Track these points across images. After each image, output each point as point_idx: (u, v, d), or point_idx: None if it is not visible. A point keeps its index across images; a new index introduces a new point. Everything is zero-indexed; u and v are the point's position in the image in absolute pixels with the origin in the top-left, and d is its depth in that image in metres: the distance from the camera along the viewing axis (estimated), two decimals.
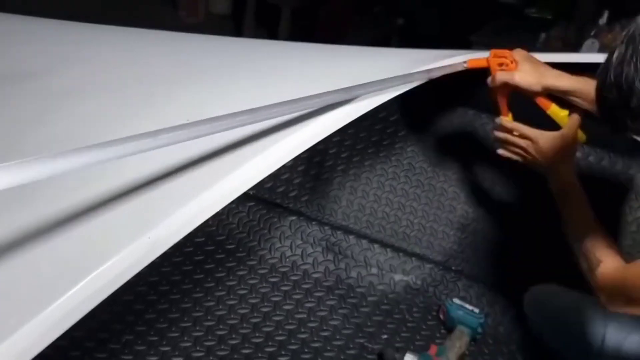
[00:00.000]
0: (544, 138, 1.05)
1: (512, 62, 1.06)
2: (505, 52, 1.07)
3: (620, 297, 0.94)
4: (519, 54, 1.07)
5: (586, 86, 1.02)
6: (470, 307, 1.43)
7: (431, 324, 1.50)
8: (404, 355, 1.30)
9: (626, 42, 0.69)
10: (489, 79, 1.08)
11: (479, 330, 1.42)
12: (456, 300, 1.46)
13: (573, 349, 1.27)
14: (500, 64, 1.06)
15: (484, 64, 1.07)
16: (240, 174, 0.65)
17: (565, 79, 1.04)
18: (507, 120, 1.11)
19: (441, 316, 1.49)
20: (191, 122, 0.59)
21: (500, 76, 1.06)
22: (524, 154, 1.08)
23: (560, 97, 1.06)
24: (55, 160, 0.47)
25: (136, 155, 0.73)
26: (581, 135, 1.10)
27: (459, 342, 1.37)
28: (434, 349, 1.34)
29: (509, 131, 1.10)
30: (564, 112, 1.07)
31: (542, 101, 1.08)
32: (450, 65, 1.02)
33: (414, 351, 1.33)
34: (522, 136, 1.08)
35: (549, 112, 1.08)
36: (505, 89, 1.09)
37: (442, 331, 1.48)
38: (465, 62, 1.05)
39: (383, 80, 0.85)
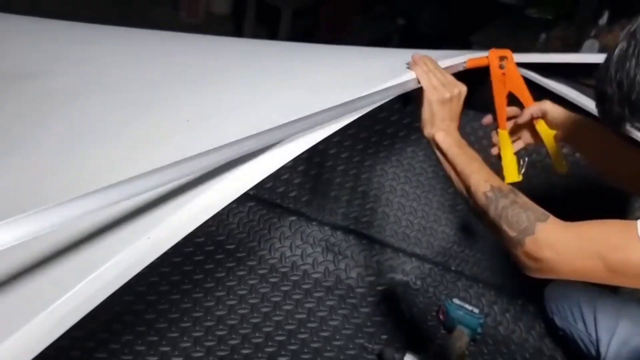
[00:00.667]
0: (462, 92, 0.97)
1: (511, 60, 1.05)
2: (505, 50, 1.06)
3: (584, 250, 0.76)
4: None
5: (581, 120, 1.04)
6: (470, 308, 1.43)
7: (431, 324, 1.51)
8: (403, 355, 1.31)
9: (628, 39, 0.69)
10: (524, 114, 1.06)
11: (479, 330, 1.42)
12: (456, 301, 1.46)
13: (586, 339, 1.29)
14: (501, 58, 1.05)
15: (484, 62, 1.06)
16: (240, 174, 0.65)
17: (580, 117, 1.05)
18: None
19: (441, 316, 1.49)
20: (193, 155, 0.59)
21: (535, 108, 1.05)
22: (442, 88, 0.94)
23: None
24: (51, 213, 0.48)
25: (134, 154, 0.73)
26: (562, 166, 1.10)
27: (458, 343, 1.37)
28: (434, 349, 1.35)
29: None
30: (552, 131, 1.07)
31: (534, 120, 1.08)
32: (450, 67, 1.02)
33: (414, 351, 1.33)
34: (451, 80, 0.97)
35: (537, 126, 1.07)
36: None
37: (442, 331, 1.48)
38: (464, 62, 1.05)
39: (382, 90, 0.86)
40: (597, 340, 1.27)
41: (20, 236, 0.45)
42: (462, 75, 1.05)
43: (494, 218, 0.83)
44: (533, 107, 1.06)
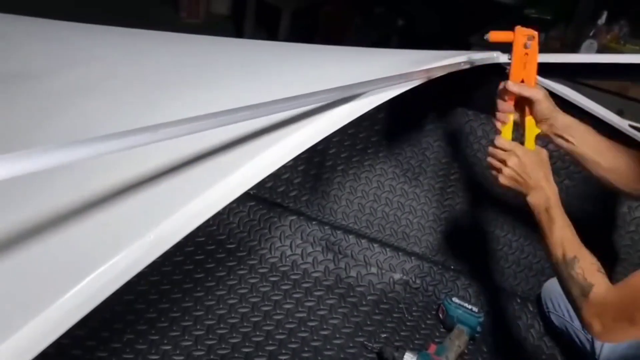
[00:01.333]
0: (525, 152, 1.01)
1: (536, 43, 1.01)
2: (532, 30, 1.01)
3: (622, 318, 0.86)
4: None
5: (585, 132, 1.05)
6: (469, 306, 1.44)
7: (430, 323, 1.51)
8: (403, 354, 1.31)
9: None
10: (512, 86, 1.02)
11: (478, 329, 1.43)
12: (455, 300, 1.46)
13: (582, 336, 1.30)
14: (529, 38, 1.00)
15: (509, 37, 1.02)
16: (240, 174, 0.66)
17: (570, 117, 1.05)
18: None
19: (440, 315, 1.49)
20: (190, 117, 0.59)
21: (530, 92, 1.02)
22: (513, 173, 1.00)
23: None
24: (57, 151, 0.47)
25: (136, 154, 0.73)
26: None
27: (458, 341, 1.38)
28: (433, 348, 1.35)
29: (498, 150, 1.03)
30: (537, 130, 1.05)
31: (527, 111, 1.05)
32: (449, 65, 1.02)
33: (413, 350, 1.33)
34: (505, 151, 1.01)
35: (526, 119, 1.05)
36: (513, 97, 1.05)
37: (442, 330, 1.49)
38: (464, 61, 1.04)
39: (383, 78, 0.85)
40: (592, 337, 1.28)
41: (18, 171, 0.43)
42: (462, 75, 1.06)
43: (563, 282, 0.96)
44: (523, 87, 1.02)
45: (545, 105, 1.02)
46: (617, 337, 0.91)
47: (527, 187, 1.00)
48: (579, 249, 0.94)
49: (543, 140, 1.07)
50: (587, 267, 0.91)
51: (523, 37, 1.01)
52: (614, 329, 0.87)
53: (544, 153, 1.02)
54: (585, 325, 0.90)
